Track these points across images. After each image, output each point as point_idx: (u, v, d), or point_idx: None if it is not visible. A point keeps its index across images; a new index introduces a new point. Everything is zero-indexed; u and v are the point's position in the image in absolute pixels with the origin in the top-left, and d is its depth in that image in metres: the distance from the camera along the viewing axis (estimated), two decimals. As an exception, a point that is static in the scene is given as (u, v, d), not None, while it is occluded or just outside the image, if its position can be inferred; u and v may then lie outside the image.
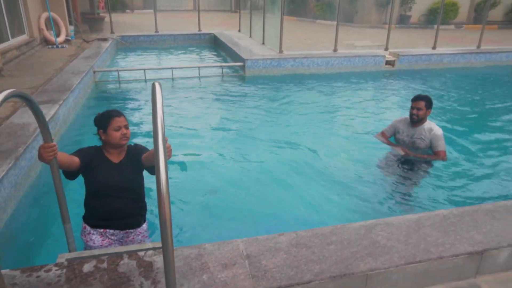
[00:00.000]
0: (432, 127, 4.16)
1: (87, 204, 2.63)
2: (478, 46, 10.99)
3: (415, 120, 4.15)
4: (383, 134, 4.59)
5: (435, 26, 11.06)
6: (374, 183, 4.17)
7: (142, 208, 2.74)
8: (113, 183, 2.53)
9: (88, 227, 2.62)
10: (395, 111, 6.50)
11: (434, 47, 10.66)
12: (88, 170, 2.52)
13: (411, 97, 4.25)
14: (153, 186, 2.51)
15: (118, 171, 2.56)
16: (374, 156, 4.75)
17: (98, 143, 2.67)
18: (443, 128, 4.44)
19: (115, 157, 2.59)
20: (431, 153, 4.22)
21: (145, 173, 2.72)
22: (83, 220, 2.65)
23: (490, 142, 5.26)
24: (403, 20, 18.48)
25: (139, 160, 2.57)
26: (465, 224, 2.48)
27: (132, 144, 2.73)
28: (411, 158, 4.28)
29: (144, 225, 2.77)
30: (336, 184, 4.17)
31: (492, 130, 5.79)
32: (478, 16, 18.86)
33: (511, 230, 2.42)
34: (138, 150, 2.65)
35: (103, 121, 2.50)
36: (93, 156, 2.54)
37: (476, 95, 7.95)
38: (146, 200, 2.79)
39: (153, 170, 2.60)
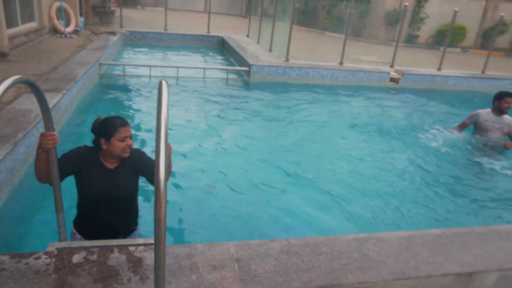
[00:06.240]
0: (509, 117, 5.46)
1: (78, 208, 2.46)
2: (483, 72, 11.06)
3: (506, 112, 5.37)
4: (464, 124, 5.79)
5: (442, 48, 11.13)
6: (372, 195, 4.20)
7: (134, 218, 2.59)
8: (105, 192, 2.33)
9: (78, 235, 2.47)
10: (396, 126, 6.52)
11: (439, 69, 10.72)
12: (79, 171, 2.33)
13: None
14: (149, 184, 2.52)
15: (112, 179, 2.36)
16: (373, 167, 4.80)
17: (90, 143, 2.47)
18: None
19: (110, 164, 2.39)
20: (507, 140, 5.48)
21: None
22: (73, 224, 2.51)
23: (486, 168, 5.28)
24: (410, 40, 18.59)
25: (138, 169, 2.43)
26: (455, 245, 2.49)
27: (135, 148, 2.51)
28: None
29: (135, 233, 2.62)
30: (333, 194, 4.18)
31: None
32: (484, 42, 18.97)
33: (500, 255, 2.43)
34: (140, 158, 2.46)
35: (108, 129, 2.28)
36: (84, 157, 2.34)
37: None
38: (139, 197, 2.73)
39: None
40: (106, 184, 2.34)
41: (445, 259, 2.33)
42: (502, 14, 11.30)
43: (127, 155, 2.35)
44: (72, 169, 2.31)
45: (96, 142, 2.38)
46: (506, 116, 5.47)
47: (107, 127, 2.29)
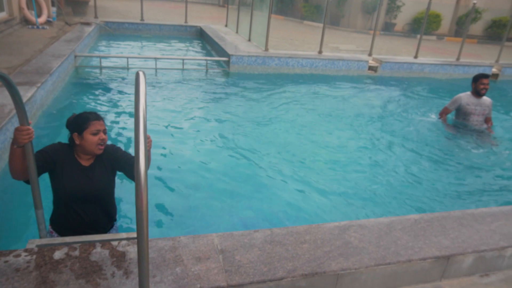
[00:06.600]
0: (488, 98, 5.55)
1: (54, 206, 2.41)
2: (458, 59, 11.29)
3: (484, 94, 5.43)
4: (446, 110, 5.78)
5: (418, 36, 11.30)
6: (353, 182, 4.26)
7: (112, 216, 2.55)
8: (80, 189, 2.29)
9: (55, 233, 2.43)
10: (375, 114, 6.62)
11: (416, 56, 10.89)
12: (53, 168, 2.28)
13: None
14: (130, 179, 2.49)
15: (86, 176, 2.32)
16: (353, 155, 4.86)
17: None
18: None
19: (85, 161, 2.35)
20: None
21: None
22: (49, 223, 2.45)
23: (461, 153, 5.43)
24: (388, 28, 18.79)
25: (114, 165, 2.39)
26: (434, 229, 2.57)
27: (109, 144, 2.45)
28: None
29: (112, 230, 2.58)
30: (314, 183, 4.22)
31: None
32: (459, 29, 19.36)
33: (476, 237, 2.52)
34: (115, 153, 2.41)
35: (80, 123, 2.25)
36: (59, 154, 2.29)
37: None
38: (121, 191, 2.72)
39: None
40: (81, 182, 2.30)
41: (424, 243, 2.40)
42: (475, 1, 11.52)
43: (100, 151, 2.30)
44: (47, 166, 2.26)
45: (70, 138, 2.34)
46: (484, 98, 5.56)
47: (80, 121, 2.27)
